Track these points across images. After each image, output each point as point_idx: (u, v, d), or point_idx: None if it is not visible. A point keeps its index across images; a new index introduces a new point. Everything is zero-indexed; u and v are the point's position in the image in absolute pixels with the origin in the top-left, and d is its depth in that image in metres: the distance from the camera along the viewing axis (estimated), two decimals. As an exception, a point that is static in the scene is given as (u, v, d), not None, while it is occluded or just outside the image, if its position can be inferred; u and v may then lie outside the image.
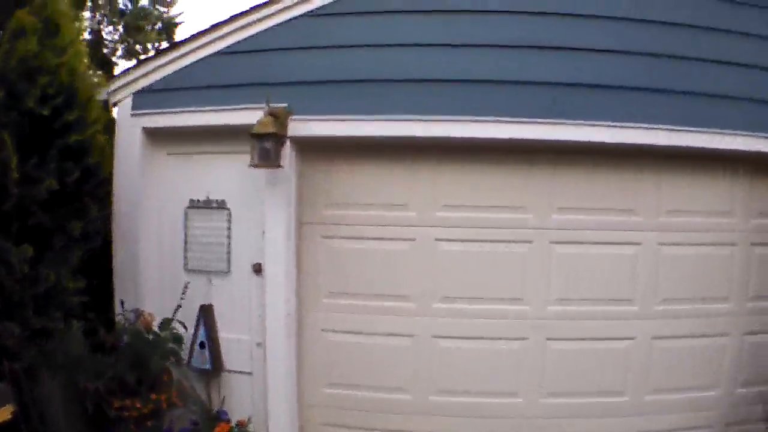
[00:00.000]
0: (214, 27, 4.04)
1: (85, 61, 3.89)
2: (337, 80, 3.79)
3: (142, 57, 4.30)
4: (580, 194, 3.79)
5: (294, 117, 3.79)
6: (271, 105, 3.75)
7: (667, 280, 3.84)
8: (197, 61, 4.02)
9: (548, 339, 3.76)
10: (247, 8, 4.06)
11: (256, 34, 3.94)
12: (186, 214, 4.04)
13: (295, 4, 3.90)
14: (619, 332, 3.79)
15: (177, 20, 10.27)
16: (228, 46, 3.98)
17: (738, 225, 3.96)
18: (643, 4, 3.84)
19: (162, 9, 10.14)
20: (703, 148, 3.77)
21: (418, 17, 3.81)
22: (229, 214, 3.97)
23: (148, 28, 9.74)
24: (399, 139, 3.72)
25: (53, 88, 3.71)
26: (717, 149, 3.79)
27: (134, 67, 4.17)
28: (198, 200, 4.03)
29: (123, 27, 9.53)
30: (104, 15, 9.42)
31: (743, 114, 3.88)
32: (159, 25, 9.97)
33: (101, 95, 4.19)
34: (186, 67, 4.04)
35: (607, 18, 3.82)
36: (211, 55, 4.00)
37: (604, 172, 3.81)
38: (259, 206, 3.84)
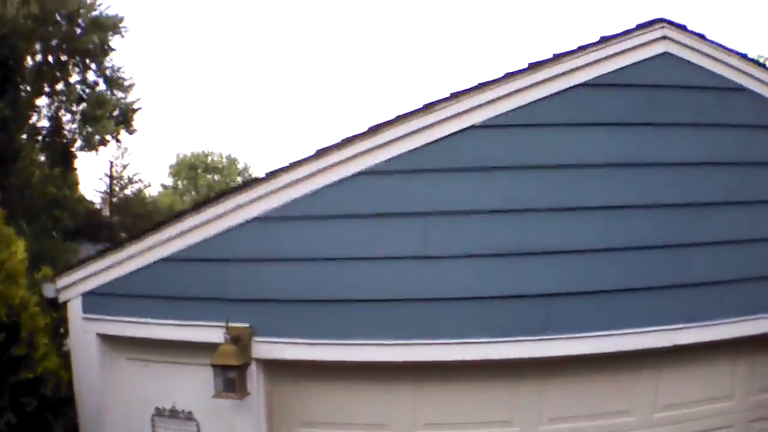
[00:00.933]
0: (159, 226, 3.59)
1: (23, 281, 3.48)
2: (301, 300, 3.40)
3: (90, 258, 3.83)
4: (572, 402, 3.53)
5: (258, 338, 3.46)
6: (231, 325, 3.42)
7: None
8: (149, 266, 3.62)
9: None
10: (199, 203, 3.59)
11: (210, 238, 3.50)
12: (153, 423, 3.80)
13: (250, 203, 3.44)
14: None
15: (135, 106, 9.55)
16: (180, 251, 3.56)
17: (736, 407, 3.76)
18: (633, 190, 3.42)
19: (120, 94, 9.38)
20: (705, 342, 3.49)
21: (391, 223, 3.36)
22: (198, 426, 3.73)
23: (106, 116, 9.00)
24: (375, 363, 3.41)
25: (-7, 323, 3.38)
26: (720, 340, 3.51)
27: (81, 266, 3.76)
28: (164, 409, 3.78)
29: (81, 116, 8.83)
30: (62, 102, 8.66)
31: (745, 295, 3.56)
32: (117, 111, 9.22)
33: (49, 292, 3.83)
34: (137, 271, 3.64)
35: (598, 209, 3.39)
36: (162, 260, 3.59)
37: (599, 378, 3.53)
38: (229, 417, 3.61)
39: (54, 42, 8.10)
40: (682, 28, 3.57)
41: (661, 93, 3.48)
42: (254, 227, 3.44)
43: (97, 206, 13.12)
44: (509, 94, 3.36)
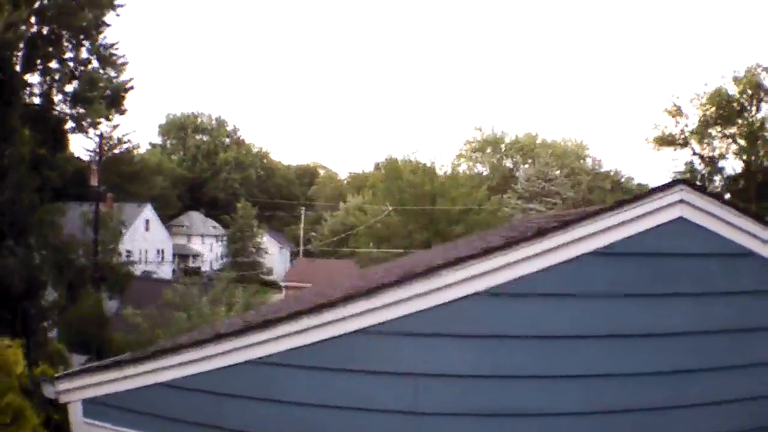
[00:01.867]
0: (156, 355, 3.65)
1: (30, 413, 3.56)
2: (295, 439, 3.56)
3: (93, 365, 3.93)
4: None
5: (256, 468, 3.65)
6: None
7: None
8: (148, 386, 3.71)
9: None
10: (201, 340, 3.62)
11: (207, 372, 3.57)
12: None
13: (248, 347, 3.48)
14: None
15: (127, 86, 8.80)
16: (178, 379, 3.64)
17: None
18: (620, 357, 3.46)
19: (112, 73, 8.63)
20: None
21: (385, 380, 3.42)
22: None
23: (98, 98, 8.33)
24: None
25: None
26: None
27: (80, 375, 3.85)
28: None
29: (72, 97, 8.20)
30: (54, 81, 8.00)
31: None
32: (108, 92, 8.52)
33: (48, 393, 3.94)
34: (137, 389, 3.73)
35: (583, 377, 3.45)
36: (160, 384, 3.68)
37: None
38: None
39: (49, 14, 7.48)
40: (701, 190, 3.44)
41: (668, 261, 3.44)
42: (249, 369, 3.51)
43: (88, 163, 12.75)
44: (514, 263, 3.31)
